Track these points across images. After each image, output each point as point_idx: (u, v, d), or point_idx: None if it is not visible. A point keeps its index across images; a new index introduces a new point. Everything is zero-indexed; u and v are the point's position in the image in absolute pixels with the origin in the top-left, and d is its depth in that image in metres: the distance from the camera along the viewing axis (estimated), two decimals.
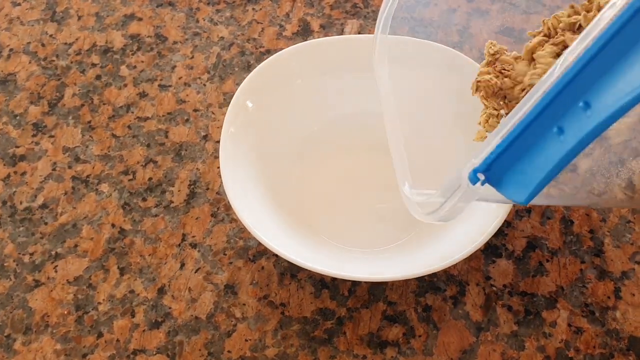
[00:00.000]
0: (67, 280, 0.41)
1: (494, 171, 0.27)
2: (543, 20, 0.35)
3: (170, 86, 0.50)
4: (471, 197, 0.28)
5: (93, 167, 0.46)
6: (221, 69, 0.51)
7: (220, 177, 0.39)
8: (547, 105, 0.24)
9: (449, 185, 0.29)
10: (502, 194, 0.27)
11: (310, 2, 0.54)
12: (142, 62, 0.51)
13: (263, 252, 0.42)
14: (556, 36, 0.35)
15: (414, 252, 0.40)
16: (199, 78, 0.50)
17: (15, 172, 0.46)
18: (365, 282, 0.41)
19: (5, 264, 0.42)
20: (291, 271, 0.41)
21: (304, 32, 0.53)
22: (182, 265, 0.42)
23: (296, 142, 0.45)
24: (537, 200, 0.28)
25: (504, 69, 0.36)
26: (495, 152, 0.26)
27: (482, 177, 0.27)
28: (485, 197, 0.28)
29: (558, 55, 0.34)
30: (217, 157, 0.46)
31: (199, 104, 0.49)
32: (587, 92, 0.23)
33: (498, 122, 0.35)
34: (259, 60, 0.50)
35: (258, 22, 0.53)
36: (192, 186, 0.45)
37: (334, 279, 0.41)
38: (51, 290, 0.41)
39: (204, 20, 0.54)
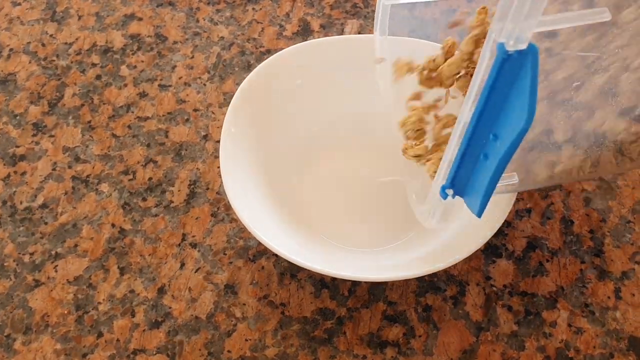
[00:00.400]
0: (67, 280, 0.41)
1: (458, 185, 0.32)
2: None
3: (170, 86, 0.50)
4: (449, 206, 0.33)
5: (93, 167, 0.46)
6: (221, 68, 0.51)
7: (220, 177, 0.39)
8: (471, 136, 0.29)
9: (430, 199, 0.34)
10: (467, 203, 0.32)
11: (311, 2, 0.55)
12: (142, 62, 0.51)
13: (263, 251, 0.42)
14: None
15: (414, 252, 0.40)
16: (199, 78, 0.50)
17: (15, 172, 0.46)
18: (365, 282, 0.41)
19: (5, 264, 0.42)
20: (291, 271, 0.41)
21: (304, 32, 0.53)
22: (182, 265, 0.42)
23: (296, 142, 0.45)
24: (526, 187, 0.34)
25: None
26: (452, 173, 0.31)
27: (450, 192, 0.32)
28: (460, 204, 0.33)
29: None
30: (217, 157, 0.46)
31: (199, 103, 0.49)
32: (494, 126, 0.28)
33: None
34: (259, 60, 0.50)
35: (258, 22, 0.53)
36: (192, 186, 0.45)
37: (334, 279, 0.41)
38: (51, 290, 0.41)
39: (204, 20, 0.54)
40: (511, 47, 0.26)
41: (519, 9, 0.25)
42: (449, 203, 0.33)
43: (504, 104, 0.28)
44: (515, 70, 0.27)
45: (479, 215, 0.31)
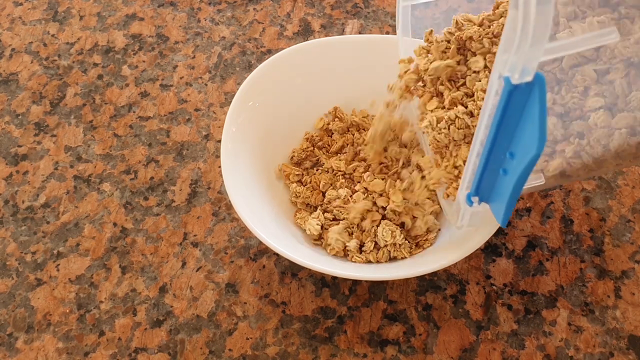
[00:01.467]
0: (69, 279, 0.41)
1: (483, 191, 0.32)
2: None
3: (171, 86, 0.50)
4: (476, 212, 0.34)
5: (95, 167, 0.46)
6: (222, 68, 0.51)
7: (222, 177, 0.40)
8: (490, 152, 0.30)
9: (456, 204, 0.35)
10: (492, 210, 0.32)
11: (311, 2, 0.55)
12: (144, 62, 0.51)
13: (264, 251, 0.42)
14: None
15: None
16: (200, 78, 0.50)
17: (17, 172, 0.46)
18: (366, 281, 0.41)
19: (7, 263, 0.42)
20: (292, 270, 0.41)
21: (305, 32, 0.53)
22: (184, 264, 0.42)
23: (297, 141, 0.45)
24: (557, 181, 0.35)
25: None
26: (475, 182, 0.32)
27: (476, 199, 0.33)
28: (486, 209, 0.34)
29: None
30: (218, 157, 0.46)
31: (200, 103, 0.49)
32: (510, 145, 0.29)
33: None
34: (260, 60, 0.51)
35: (259, 22, 0.54)
36: (194, 185, 0.45)
37: (334, 278, 0.41)
38: (53, 289, 0.41)
39: (205, 20, 0.54)
40: (516, 81, 0.26)
41: (523, 41, 0.25)
42: (476, 208, 0.33)
43: (516, 128, 0.28)
44: (523, 99, 0.27)
45: (503, 224, 0.32)
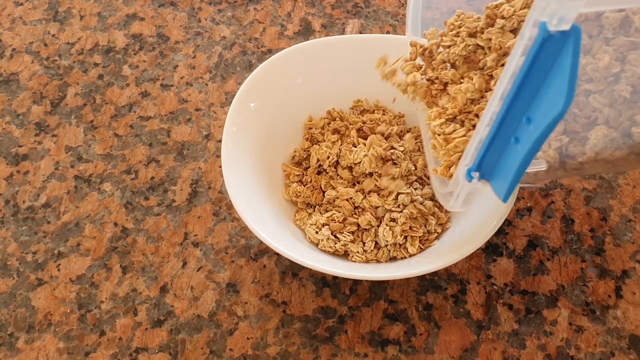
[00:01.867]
0: (69, 278, 0.41)
1: (485, 168, 0.31)
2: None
3: (172, 86, 0.50)
4: (473, 189, 0.32)
5: (95, 167, 0.46)
6: (223, 68, 0.51)
7: (222, 176, 0.40)
8: (502, 120, 0.28)
9: (454, 181, 0.33)
10: (493, 187, 0.31)
11: (312, 1, 0.55)
12: (144, 61, 0.51)
13: (265, 250, 0.42)
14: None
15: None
16: (201, 77, 0.50)
17: (18, 172, 0.46)
18: (367, 281, 0.41)
19: (8, 263, 0.42)
20: (292, 270, 0.41)
21: (305, 32, 0.53)
22: (184, 263, 0.42)
23: (298, 141, 0.45)
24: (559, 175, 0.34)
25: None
26: (479, 156, 0.31)
27: (476, 175, 0.32)
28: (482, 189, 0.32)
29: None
30: (218, 156, 0.46)
31: (201, 103, 0.49)
32: (528, 110, 0.28)
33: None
34: (261, 59, 0.51)
35: (259, 22, 0.53)
36: (194, 185, 0.45)
37: (335, 278, 0.41)
38: (54, 289, 0.41)
39: (206, 20, 0.54)
40: (554, 27, 0.25)
41: None
42: (473, 186, 0.32)
43: (541, 85, 0.27)
44: (555, 50, 0.26)
45: (505, 199, 0.30)
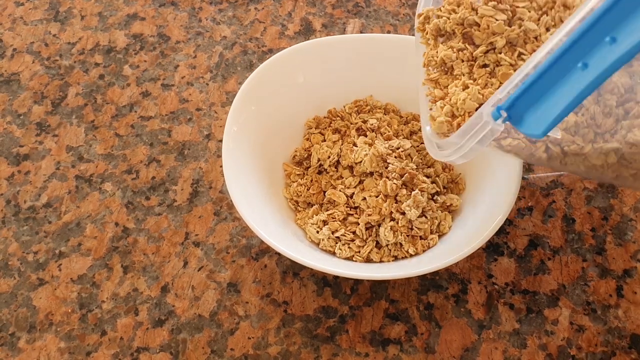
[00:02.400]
0: (70, 278, 0.41)
1: (516, 109, 0.29)
2: None
3: (173, 85, 0.50)
4: (490, 135, 0.30)
5: (96, 166, 0.46)
6: (224, 68, 0.51)
7: (223, 176, 0.40)
8: (574, 43, 0.26)
9: (470, 124, 0.31)
10: (521, 130, 0.29)
11: (312, 1, 0.55)
12: (145, 61, 0.51)
13: (266, 250, 0.42)
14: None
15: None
16: (202, 77, 0.50)
17: (19, 171, 0.46)
18: (368, 281, 0.41)
19: (9, 263, 0.42)
20: (293, 269, 0.41)
21: (306, 32, 0.53)
22: (185, 263, 0.42)
23: (298, 140, 0.45)
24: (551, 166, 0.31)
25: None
26: (520, 89, 0.28)
27: (504, 114, 0.29)
28: (500, 141, 0.30)
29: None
30: (219, 156, 0.46)
31: (202, 103, 0.49)
32: (615, 29, 0.25)
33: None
34: (262, 59, 0.51)
35: (260, 22, 0.54)
36: (195, 185, 0.45)
37: (336, 277, 0.41)
38: (55, 289, 0.41)
39: (207, 19, 0.54)
40: None
41: None
42: (495, 127, 0.30)
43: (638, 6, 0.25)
44: None
45: (544, 134, 0.28)
